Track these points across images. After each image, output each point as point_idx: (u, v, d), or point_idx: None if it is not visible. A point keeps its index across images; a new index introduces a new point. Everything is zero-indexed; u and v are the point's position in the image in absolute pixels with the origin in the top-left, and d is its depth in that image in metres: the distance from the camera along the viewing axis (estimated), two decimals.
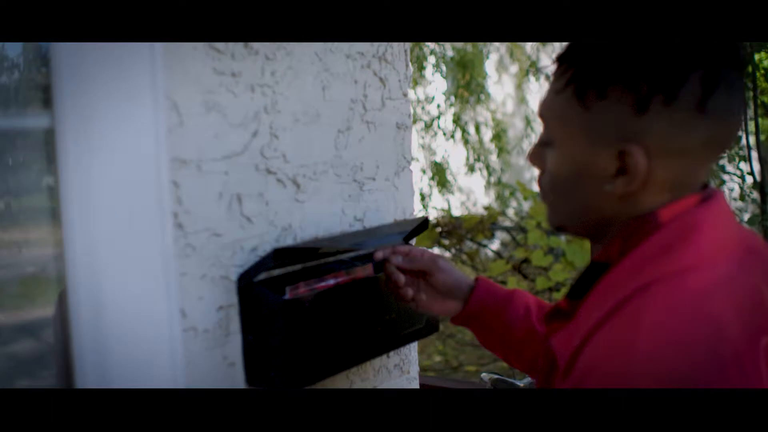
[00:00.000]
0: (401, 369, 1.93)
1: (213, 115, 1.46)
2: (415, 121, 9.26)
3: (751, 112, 5.90)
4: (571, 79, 1.13)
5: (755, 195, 6.52)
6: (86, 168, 1.25)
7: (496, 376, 3.27)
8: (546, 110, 1.19)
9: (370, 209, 1.81)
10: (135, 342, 1.31)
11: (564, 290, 5.42)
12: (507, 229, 7.77)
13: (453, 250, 7.12)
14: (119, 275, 1.29)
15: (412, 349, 1.97)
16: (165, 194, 1.34)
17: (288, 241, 1.61)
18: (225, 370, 1.51)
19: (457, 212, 8.91)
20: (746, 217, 6.95)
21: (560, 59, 1.15)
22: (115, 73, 1.28)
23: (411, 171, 1.93)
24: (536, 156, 1.23)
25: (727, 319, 1.04)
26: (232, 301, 1.51)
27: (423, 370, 6.46)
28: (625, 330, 1.04)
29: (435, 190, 9.21)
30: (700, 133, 1.08)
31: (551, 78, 1.18)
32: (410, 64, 1.94)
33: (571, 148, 1.15)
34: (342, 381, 1.75)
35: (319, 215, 1.69)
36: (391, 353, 1.89)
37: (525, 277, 6.44)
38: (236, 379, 1.52)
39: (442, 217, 7.88)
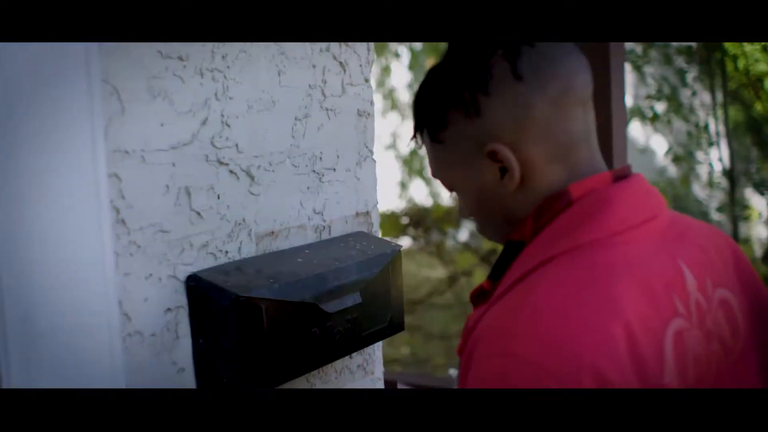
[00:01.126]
0: (365, 369, 1.83)
1: (158, 102, 1.36)
2: (393, 108, 9.15)
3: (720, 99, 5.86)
4: (421, 135, 1.25)
5: (724, 183, 6.50)
6: (14, 160, 1.14)
7: None
8: (433, 171, 1.28)
9: (331, 201, 1.71)
10: (71, 349, 1.20)
11: None
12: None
13: (420, 241, 7.02)
14: (53, 278, 1.18)
15: (377, 349, 1.87)
16: (103, 188, 1.23)
17: (242, 237, 1.51)
18: (174, 375, 1.40)
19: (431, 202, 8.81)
20: (714, 204, 6.93)
21: (413, 129, 1.27)
22: (47, 55, 1.17)
23: (374, 161, 1.83)
24: (461, 209, 1.31)
25: (626, 296, 1.05)
26: (182, 303, 1.41)
27: (391, 362, 6.37)
28: (518, 297, 1.07)
29: (413, 179, 9.10)
30: (533, 96, 1.13)
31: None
32: (372, 49, 1.84)
33: (463, 182, 1.23)
34: (302, 384, 1.65)
35: (276, 208, 1.58)
36: (354, 354, 1.79)
37: None
38: (186, 386, 1.42)
39: (410, 207, 7.80)
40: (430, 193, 8.77)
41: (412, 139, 1.30)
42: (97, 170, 1.21)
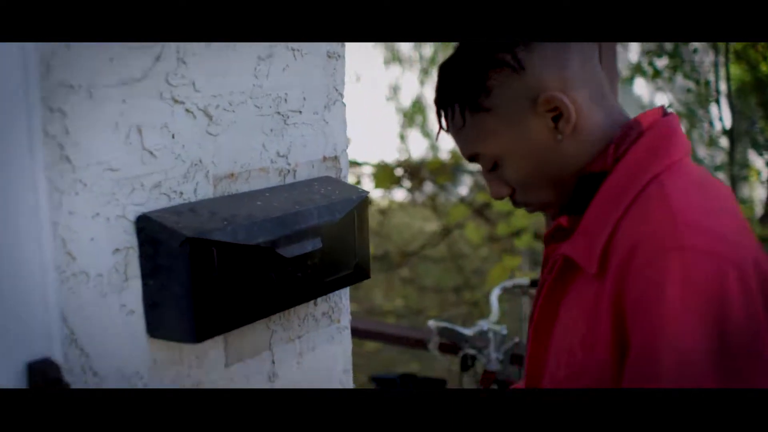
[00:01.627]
0: (330, 317, 1.80)
1: None
2: (394, 59, 9.05)
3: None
4: (461, 112, 1.29)
5: (724, 142, 6.42)
6: None
7: (443, 324, 3.17)
8: (470, 147, 1.32)
9: (296, 144, 1.67)
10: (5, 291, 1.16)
11: (526, 236, 5.31)
12: (471, 173, 7.65)
13: (414, 193, 6.98)
14: None
15: (343, 296, 1.84)
16: (37, 121, 1.18)
17: (198, 178, 1.47)
18: (123, 319, 1.37)
19: (430, 155, 8.74)
20: (714, 163, 6.86)
21: (438, 110, 1.34)
22: None
23: (344, 104, 1.78)
24: (499, 187, 1.35)
25: (734, 201, 1.25)
26: (131, 244, 1.37)
27: (385, 313, 6.35)
28: (655, 207, 1.17)
29: (412, 131, 9.00)
30: (566, 48, 1.25)
31: (447, 129, 1.35)
32: None
33: (513, 145, 1.28)
34: (262, 331, 1.62)
35: (236, 150, 1.54)
36: (319, 301, 1.76)
37: (486, 221, 6.33)
38: (136, 330, 1.39)
39: (405, 159, 7.75)
40: (429, 146, 8.72)
41: (440, 128, 1.37)
42: (30, 102, 1.16)
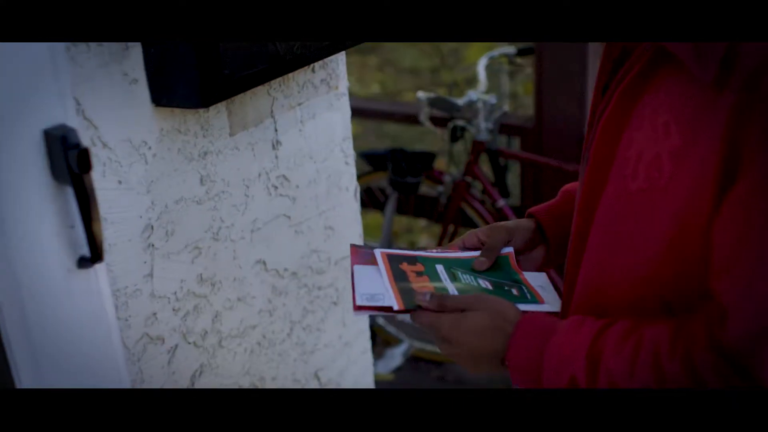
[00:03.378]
0: (328, 84, 1.78)
1: None
2: None
3: None
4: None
5: None
6: None
7: (433, 95, 3.16)
8: None
9: None
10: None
11: None
12: None
13: None
14: None
15: (340, 63, 1.81)
16: None
17: None
18: (127, 88, 1.35)
19: None
20: None
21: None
22: None
23: None
24: None
25: None
26: None
27: (361, 98, 6.31)
28: None
29: None
30: None
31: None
32: None
33: None
34: (263, 97, 1.61)
35: None
36: (317, 68, 1.73)
37: None
38: (139, 98, 1.37)
39: None
40: None
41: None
42: None
